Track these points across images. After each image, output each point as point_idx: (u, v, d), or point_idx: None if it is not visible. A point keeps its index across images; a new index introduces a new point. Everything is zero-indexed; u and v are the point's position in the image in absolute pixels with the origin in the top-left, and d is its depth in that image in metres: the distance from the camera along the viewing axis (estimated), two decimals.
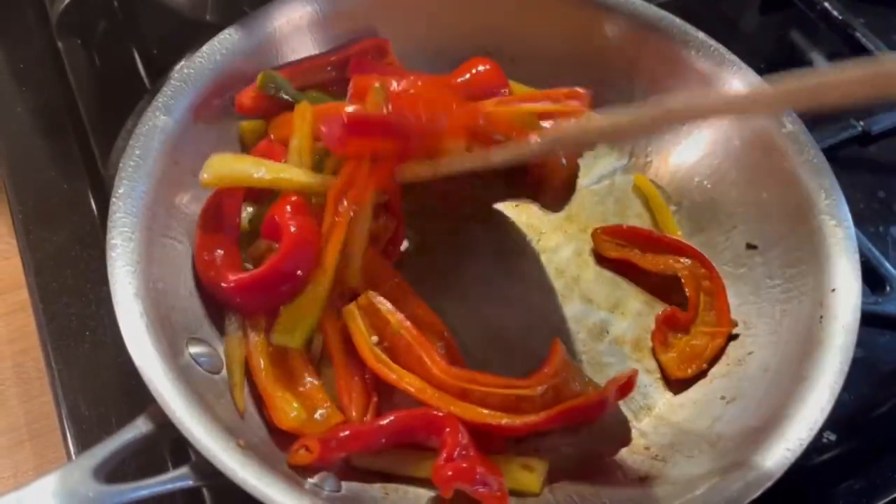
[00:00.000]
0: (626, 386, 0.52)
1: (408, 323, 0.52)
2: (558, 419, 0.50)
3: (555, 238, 0.64)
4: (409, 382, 0.51)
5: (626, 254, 0.62)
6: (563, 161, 0.57)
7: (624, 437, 0.54)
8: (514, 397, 0.51)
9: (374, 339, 0.52)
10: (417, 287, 0.56)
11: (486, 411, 0.50)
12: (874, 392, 0.62)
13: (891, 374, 0.63)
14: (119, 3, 0.76)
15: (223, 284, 0.52)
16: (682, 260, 0.61)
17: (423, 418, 0.50)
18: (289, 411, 0.49)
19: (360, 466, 0.50)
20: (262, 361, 0.51)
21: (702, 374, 0.56)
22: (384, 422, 0.49)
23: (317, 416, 0.50)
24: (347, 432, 0.49)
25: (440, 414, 0.49)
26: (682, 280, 0.60)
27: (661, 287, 0.61)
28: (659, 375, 0.58)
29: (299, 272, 0.51)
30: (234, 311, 0.53)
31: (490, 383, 0.51)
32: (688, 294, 0.60)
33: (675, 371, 0.57)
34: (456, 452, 0.47)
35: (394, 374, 0.51)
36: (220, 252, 0.54)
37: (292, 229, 0.52)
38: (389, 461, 0.50)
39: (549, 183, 0.58)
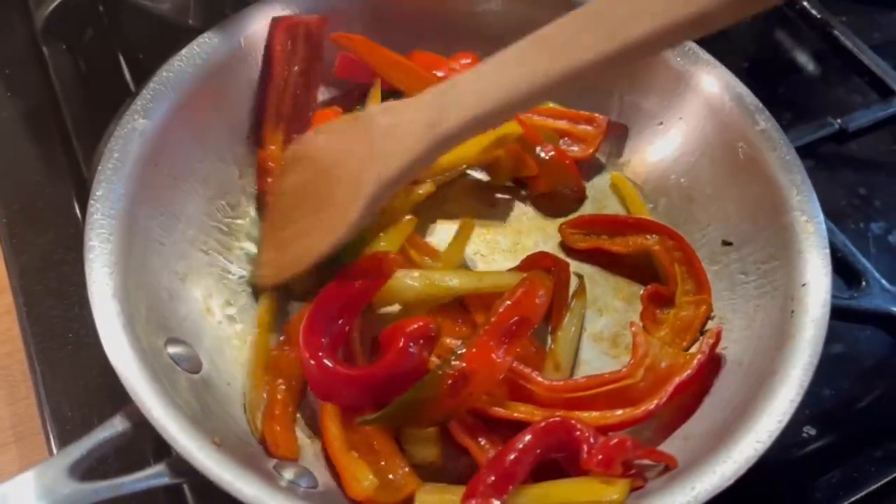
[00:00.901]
0: (715, 343, 0.54)
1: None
2: (675, 395, 0.51)
3: (533, 237, 0.64)
4: (518, 411, 0.51)
5: (594, 242, 0.63)
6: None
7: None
8: (618, 391, 0.52)
9: None
10: None
11: (602, 413, 0.51)
12: (854, 387, 0.62)
13: (870, 369, 0.63)
14: (104, 8, 0.77)
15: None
16: (649, 237, 0.62)
17: (554, 428, 0.49)
18: (362, 479, 0.47)
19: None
20: (332, 426, 0.50)
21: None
22: (522, 443, 0.47)
23: (390, 478, 0.48)
24: (502, 470, 0.46)
25: (559, 419, 0.49)
26: (655, 256, 0.61)
27: (636, 269, 0.62)
28: None
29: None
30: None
31: (593, 385, 0.53)
32: (664, 268, 0.60)
33: (671, 346, 0.57)
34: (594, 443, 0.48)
35: (501, 406, 0.51)
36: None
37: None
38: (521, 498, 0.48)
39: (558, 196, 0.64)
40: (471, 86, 0.49)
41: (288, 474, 0.48)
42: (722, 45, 0.65)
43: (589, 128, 0.66)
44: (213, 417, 0.49)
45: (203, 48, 0.60)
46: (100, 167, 0.53)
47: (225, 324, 0.56)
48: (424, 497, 0.47)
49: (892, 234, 0.71)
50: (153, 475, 0.44)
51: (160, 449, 0.50)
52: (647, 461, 0.49)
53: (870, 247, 0.70)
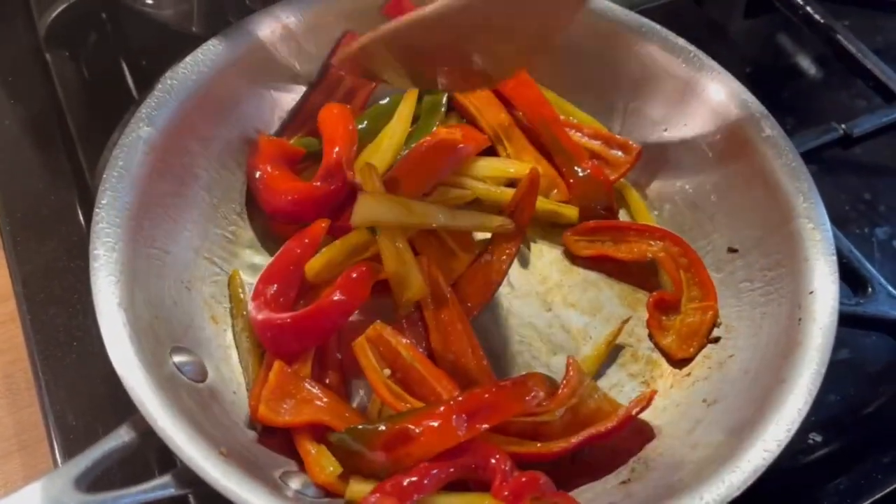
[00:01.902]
0: (646, 405, 0.52)
1: (420, 353, 0.52)
2: (584, 444, 0.50)
3: (540, 245, 0.64)
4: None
5: (599, 249, 0.63)
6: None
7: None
8: (533, 424, 0.51)
9: (387, 371, 0.51)
10: None
11: (509, 439, 0.50)
12: (860, 393, 0.62)
13: (876, 374, 0.63)
14: (107, 15, 0.77)
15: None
16: (653, 243, 0.62)
17: (473, 451, 0.48)
18: (326, 466, 0.48)
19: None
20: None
21: (684, 377, 0.57)
22: (450, 458, 0.47)
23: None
24: (415, 478, 0.46)
25: (480, 444, 0.48)
26: (660, 262, 0.61)
27: (641, 276, 0.62)
28: (643, 380, 0.58)
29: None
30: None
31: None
32: (669, 275, 0.60)
33: (678, 352, 0.58)
34: (508, 475, 0.47)
35: (408, 406, 0.50)
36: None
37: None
38: None
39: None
40: None
41: (294, 484, 0.48)
42: (724, 50, 0.66)
43: (620, 154, 0.65)
44: (219, 427, 0.49)
45: (207, 55, 0.60)
46: (104, 175, 0.53)
47: (230, 332, 0.56)
48: (356, 487, 0.47)
49: None
50: (159, 486, 0.44)
51: (165, 459, 0.50)
52: None
53: (875, 252, 0.70)
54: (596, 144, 0.66)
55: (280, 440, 0.51)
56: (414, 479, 0.46)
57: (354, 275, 0.53)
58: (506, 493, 0.46)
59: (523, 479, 0.47)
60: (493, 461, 0.48)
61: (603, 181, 0.64)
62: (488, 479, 0.48)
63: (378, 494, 0.45)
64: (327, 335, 0.53)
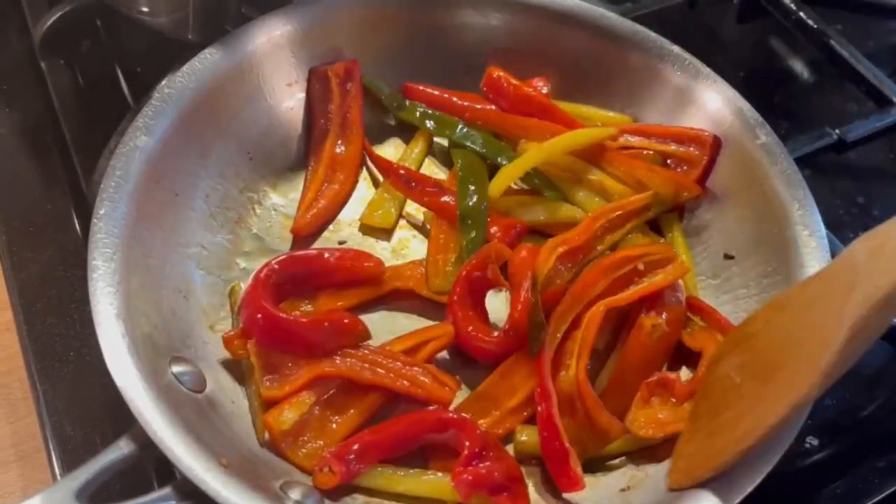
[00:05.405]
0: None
1: None
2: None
3: None
4: None
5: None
6: None
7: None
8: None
9: None
10: None
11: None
12: (855, 397, 0.62)
13: (872, 378, 0.64)
14: (102, 22, 0.77)
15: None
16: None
17: (434, 420, 0.50)
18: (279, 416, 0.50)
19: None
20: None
21: None
22: (396, 427, 0.50)
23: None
24: (357, 445, 0.49)
25: (453, 416, 0.50)
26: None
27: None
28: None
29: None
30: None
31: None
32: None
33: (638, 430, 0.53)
34: (474, 455, 0.48)
35: None
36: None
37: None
38: (376, 478, 0.50)
39: None
40: None
41: (295, 494, 0.48)
42: (718, 55, 0.66)
43: (693, 149, 0.62)
44: (218, 437, 0.49)
45: (204, 64, 0.60)
46: (102, 185, 0.53)
47: None
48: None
49: None
50: (160, 498, 0.44)
51: (165, 471, 0.50)
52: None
53: None
54: (671, 146, 0.63)
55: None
56: (375, 440, 0.48)
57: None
58: (466, 476, 0.47)
59: (482, 471, 0.48)
60: (467, 442, 0.49)
61: (681, 184, 0.62)
62: (450, 455, 0.49)
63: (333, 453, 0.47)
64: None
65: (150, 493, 0.44)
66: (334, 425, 0.51)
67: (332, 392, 0.52)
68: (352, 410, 0.52)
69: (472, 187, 0.61)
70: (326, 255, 0.58)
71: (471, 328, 0.55)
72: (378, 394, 0.53)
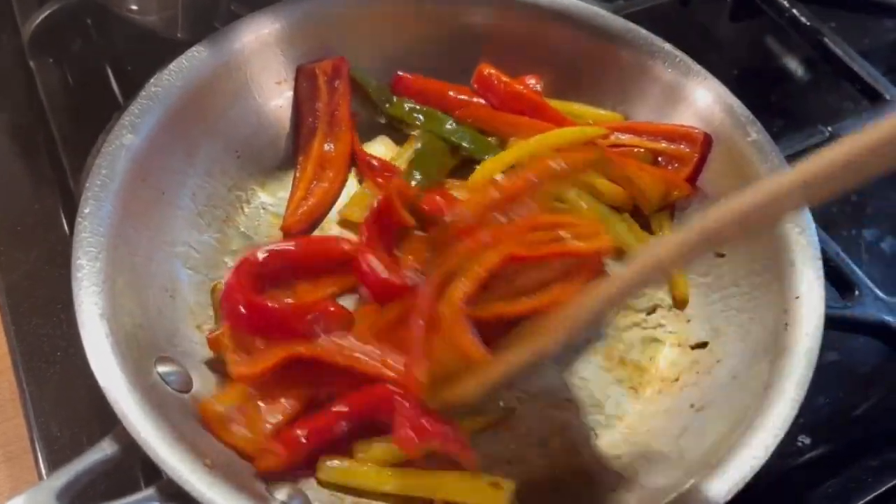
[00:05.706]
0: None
1: None
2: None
3: None
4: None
5: None
6: None
7: (595, 448, 0.54)
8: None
9: None
10: None
11: None
12: (848, 395, 0.62)
13: (865, 377, 0.63)
14: (92, 20, 0.76)
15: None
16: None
17: (376, 394, 0.50)
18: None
19: (330, 482, 0.50)
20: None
21: (672, 383, 0.57)
22: (339, 408, 0.50)
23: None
24: (306, 430, 0.49)
25: (392, 387, 0.50)
26: None
27: None
28: (630, 385, 0.58)
29: None
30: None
31: None
32: None
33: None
34: (411, 417, 0.48)
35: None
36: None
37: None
38: (360, 475, 0.50)
39: None
40: None
41: (280, 495, 0.47)
42: (712, 53, 0.66)
43: (684, 147, 0.62)
44: (204, 437, 0.48)
45: (192, 62, 0.60)
46: (87, 184, 0.53)
47: None
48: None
49: (884, 241, 0.71)
50: (143, 499, 0.43)
51: (150, 472, 0.49)
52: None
53: (862, 254, 0.70)
54: (662, 144, 0.63)
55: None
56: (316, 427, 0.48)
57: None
58: (408, 434, 0.47)
59: (421, 423, 0.47)
60: (397, 405, 0.48)
61: (672, 183, 0.62)
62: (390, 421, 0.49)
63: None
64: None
65: (135, 494, 0.44)
66: (273, 410, 0.50)
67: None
68: (292, 395, 0.51)
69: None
70: (301, 242, 0.59)
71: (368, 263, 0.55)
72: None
